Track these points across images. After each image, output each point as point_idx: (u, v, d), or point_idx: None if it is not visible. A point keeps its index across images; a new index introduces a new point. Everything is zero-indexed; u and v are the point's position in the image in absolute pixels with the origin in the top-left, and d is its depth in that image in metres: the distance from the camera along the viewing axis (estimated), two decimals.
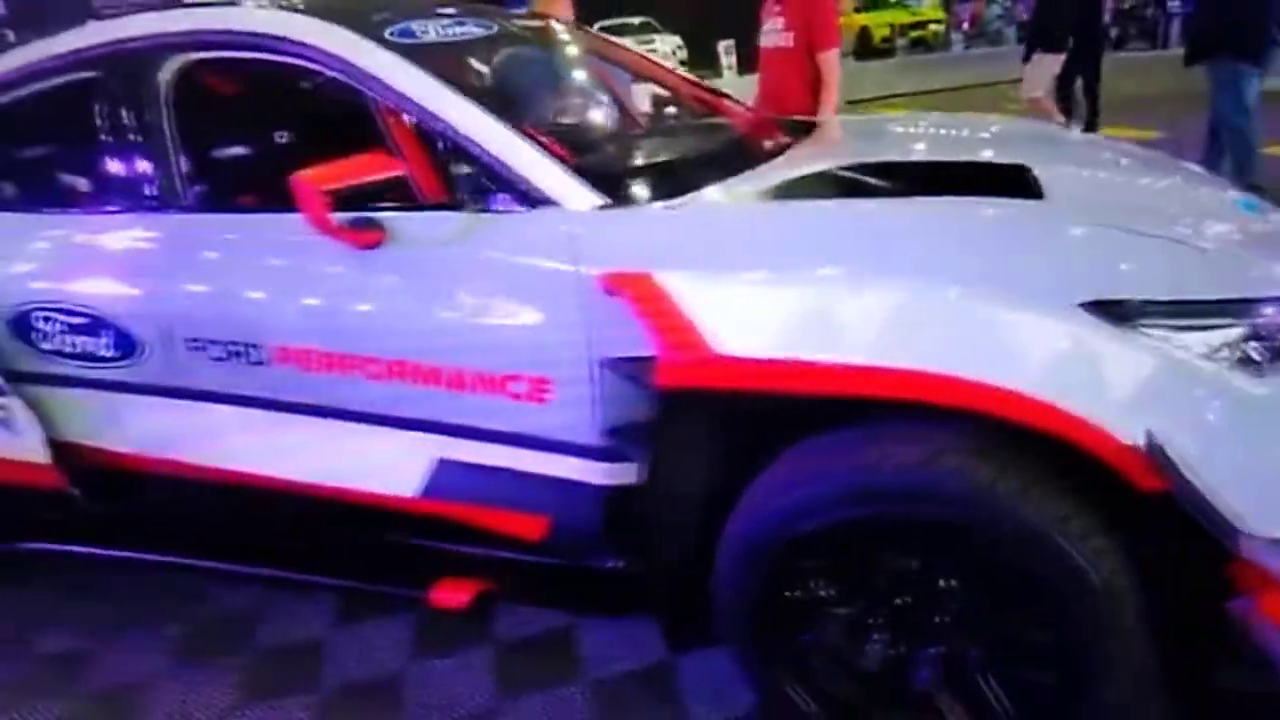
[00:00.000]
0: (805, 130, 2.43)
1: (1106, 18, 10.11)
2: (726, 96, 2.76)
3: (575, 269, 1.62)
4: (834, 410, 1.48)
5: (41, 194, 2.34)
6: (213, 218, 2.04)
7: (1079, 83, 6.70)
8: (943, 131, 2.45)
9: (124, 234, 2.04)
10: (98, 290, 2.06)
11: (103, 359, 2.12)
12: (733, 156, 2.06)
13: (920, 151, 2.07)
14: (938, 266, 1.42)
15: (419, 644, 2.15)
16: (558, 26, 2.60)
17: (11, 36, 5.73)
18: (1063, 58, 6.00)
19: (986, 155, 2.09)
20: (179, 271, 2.00)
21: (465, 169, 1.76)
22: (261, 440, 2.06)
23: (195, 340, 1.99)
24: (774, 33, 3.72)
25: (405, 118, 1.82)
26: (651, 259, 1.56)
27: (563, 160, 1.73)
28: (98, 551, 2.41)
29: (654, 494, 1.66)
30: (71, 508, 2.29)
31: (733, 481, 1.59)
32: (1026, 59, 6.10)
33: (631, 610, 2.04)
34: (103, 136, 2.08)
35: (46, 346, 2.18)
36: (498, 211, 1.74)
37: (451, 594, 2.01)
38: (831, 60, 3.66)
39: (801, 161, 2.00)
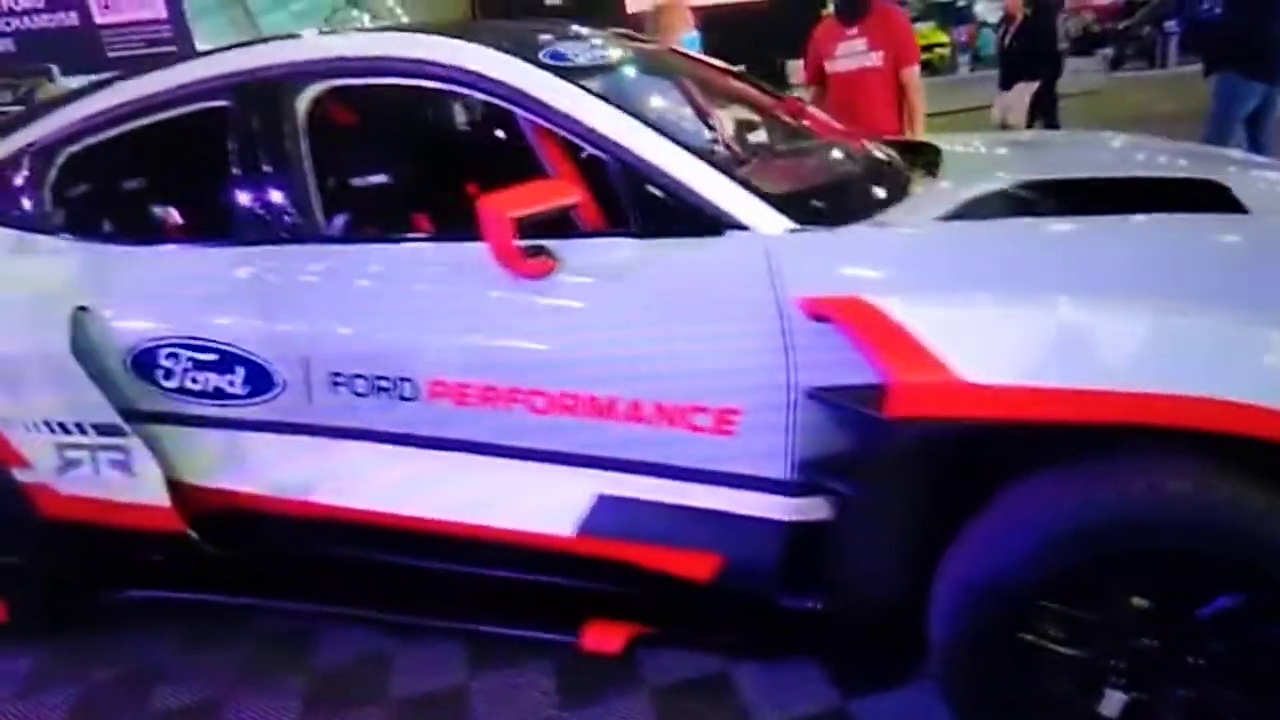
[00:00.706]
0: (913, 150, 2.38)
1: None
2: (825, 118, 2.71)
3: (773, 294, 1.54)
4: (1049, 444, 1.41)
5: (166, 227, 2.26)
6: (359, 248, 1.97)
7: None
8: (1089, 149, 2.40)
9: (260, 266, 1.96)
10: (232, 325, 1.98)
11: (232, 396, 2.04)
12: (887, 176, 2.00)
13: (1087, 168, 2.01)
14: (1187, 286, 1.35)
15: (566, 691, 2.04)
16: (674, 50, 2.56)
17: (57, 72, 5.71)
18: (1037, 84, 6.41)
19: (1166, 171, 2.03)
20: (322, 304, 1.92)
21: (639, 194, 1.69)
22: (402, 478, 1.97)
23: (338, 375, 1.91)
24: (856, 54, 3.69)
25: (571, 142, 1.76)
26: (861, 283, 1.49)
27: (745, 184, 1.66)
28: (216, 599, 2.31)
29: (856, 530, 1.57)
30: (190, 552, 2.19)
31: (947, 517, 1.51)
32: (1007, 86, 6.46)
33: (802, 651, 1.95)
34: (235, 167, 2.02)
35: (170, 384, 2.09)
36: (677, 237, 1.67)
37: (604, 638, 1.92)
38: (916, 76, 3.66)
39: (967, 181, 1.93)
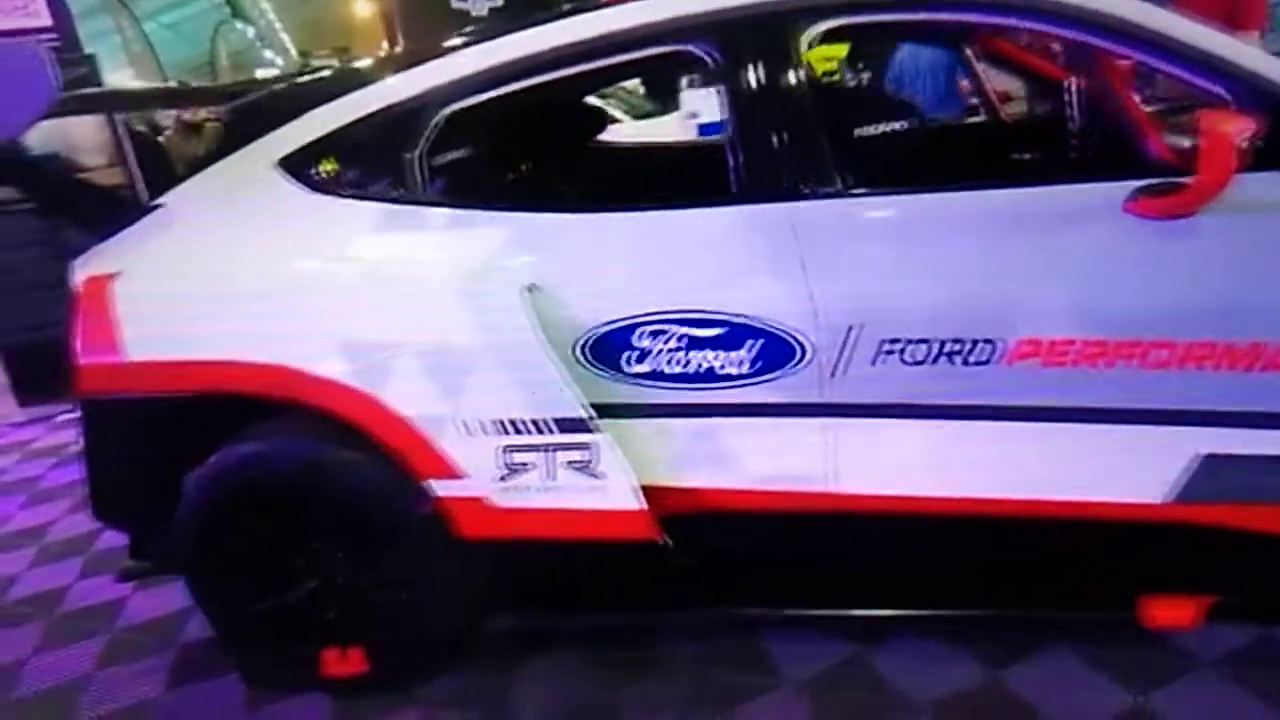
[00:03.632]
0: None
1: None
2: None
3: None
4: None
5: (620, 191, 1.97)
6: (918, 198, 1.75)
7: None
8: None
9: (789, 225, 1.73)
10: (754, 294, 1.74)
11: (726, 378, 1.78)
12: None
13: None
14: None
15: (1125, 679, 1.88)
16: None
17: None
18: None
19: None
20: (882, 263, 1.71)
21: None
22: (948, 455, 1.78)
23: (893, 342, 1.70)
24: None
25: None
26: None
27: None
28: (634, 617, 2.03)
29: None
30: (653, 564, 1.91)
31: None
32: None
33: None
34: (727, 117, 1.78)
35: (637, 369, 1.82)
36: None
37: (1174, 611, 1.80)
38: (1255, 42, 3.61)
39: None
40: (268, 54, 24.50)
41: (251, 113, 2.17)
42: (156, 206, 2.05)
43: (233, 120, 2.20)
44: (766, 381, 1.78)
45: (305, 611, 2.03)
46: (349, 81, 2.09)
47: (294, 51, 23.28)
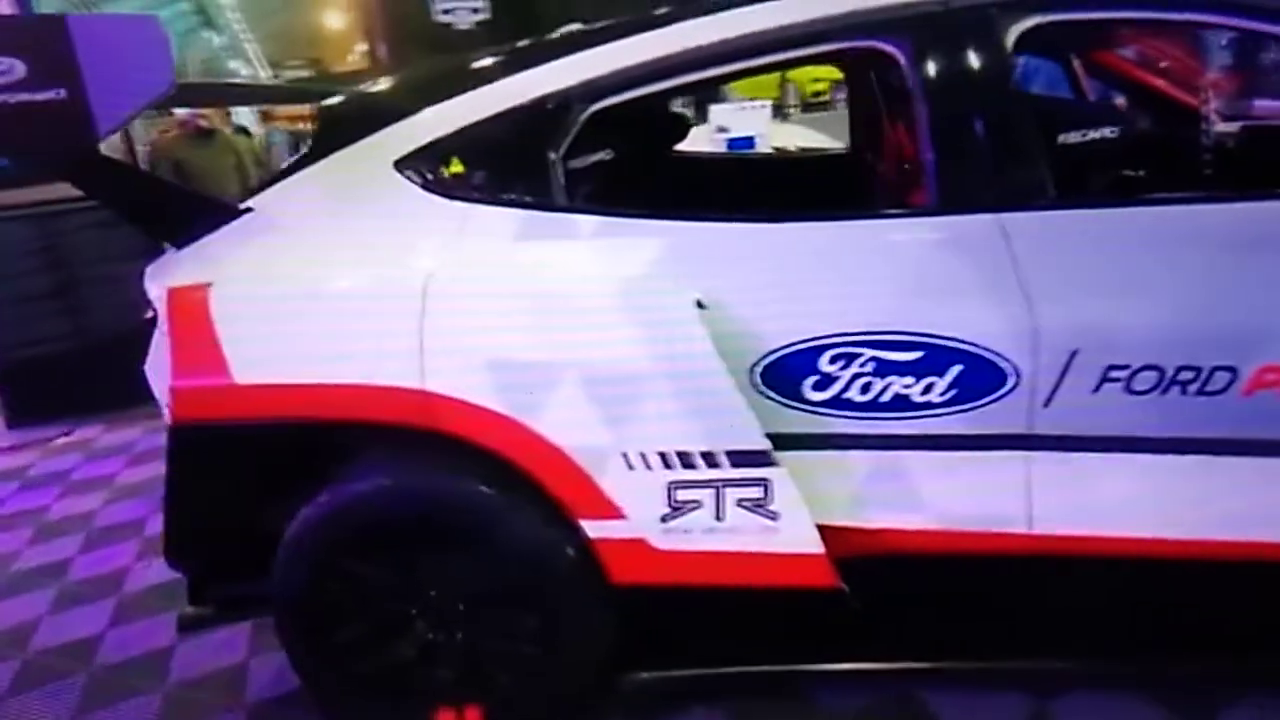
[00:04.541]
0: None
1: None
2: None
3: None
4: None
5: (823, 198, 1.77)
6: (1162, 210, 1.59)
7: None
8: None
9: (1006, 237, 1.56)
10: (961, 313, 1.56)
11: (919, 406, 1.60)
12: None
13: None
14: None
15: None
16: None
17: None
18: None
19: None
20: (1113, 280, 1.54)
21: None
22: (1172, 494, 1.61)
23: (1118, 369, 1.54)
24: None
25: None
26: None
27: None
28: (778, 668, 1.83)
29: None
30: (820, 613, 1.71)
31: None
32: None
33: None
34: (930, 121, 1.61)
35: (818, 397, 1.63)
36: None
37: None
38: None
39: None
40: (233, 64, 24.00)
41: (348, 111, 1.97)
42: (243, 211, 1.82)
43: (327, 119, 1.98)
44: (965, 411, 1.60)
45: (417, 667, 1.80)
46: (458, 77, 1.90)
47: (262, 62, 22.84)
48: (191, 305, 1.71)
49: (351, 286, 1.68)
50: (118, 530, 3.16)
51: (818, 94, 15.37)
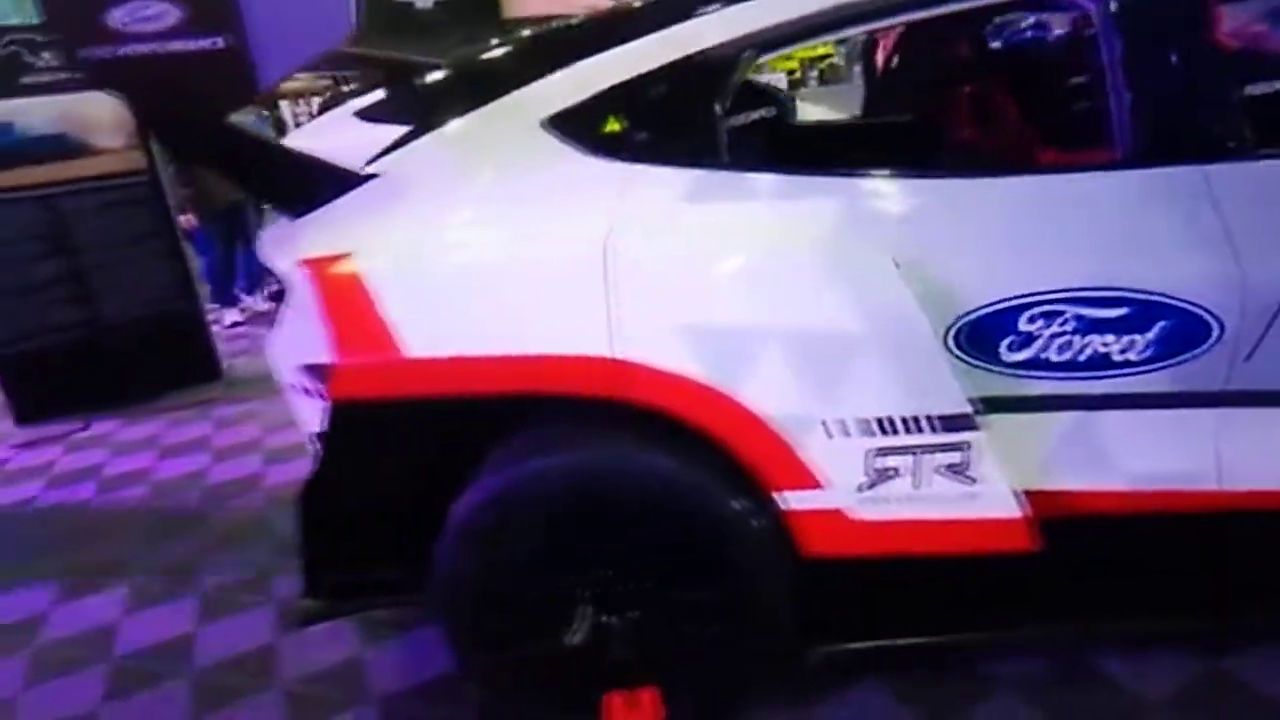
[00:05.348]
0: None
1: None
2: None
3: None
4: None
5: (1015, 150, 1.71)
6: None
7: None
8: None
9: (1216, 187, 1.52)
10: (1167, 267, 1.52)
11: (1123, 364, 1.57)
12: None
13: None
14: None
15: None
16: None
17: None
18: None
19: None
20: None
21: None
22: None
23: None
24: None
25: None
26: None
27: None
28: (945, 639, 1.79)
29: None
30: (1012, 578, 1.68)
31: None
32: None
33: None
34: (1131, 73, 1.56)
35: (1016, 358, 1.58)
36: None
37: None
38: None
39: None
40: None
41: (481, 68, 1.86)
42: (367, 177, 1.71)
43: (457, 76, 1.88)
44: (1165, 368, 1.57)
45: (589, 650, 1.72)
46: (597, 32, 1.80)
47: None
48: (344, 278, 1.59)
49: (526, 252, 1.58)
50: (174, 525, 3.01)
51: (791, 72, 15.45)
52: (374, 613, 2.16)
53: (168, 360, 4.43)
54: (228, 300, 5.86)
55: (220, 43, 1.39)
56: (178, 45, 1.38)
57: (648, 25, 1.72)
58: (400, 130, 1.74)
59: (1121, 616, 1.81)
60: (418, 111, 1.78)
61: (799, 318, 1.52)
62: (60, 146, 4.03)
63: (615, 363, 1.52)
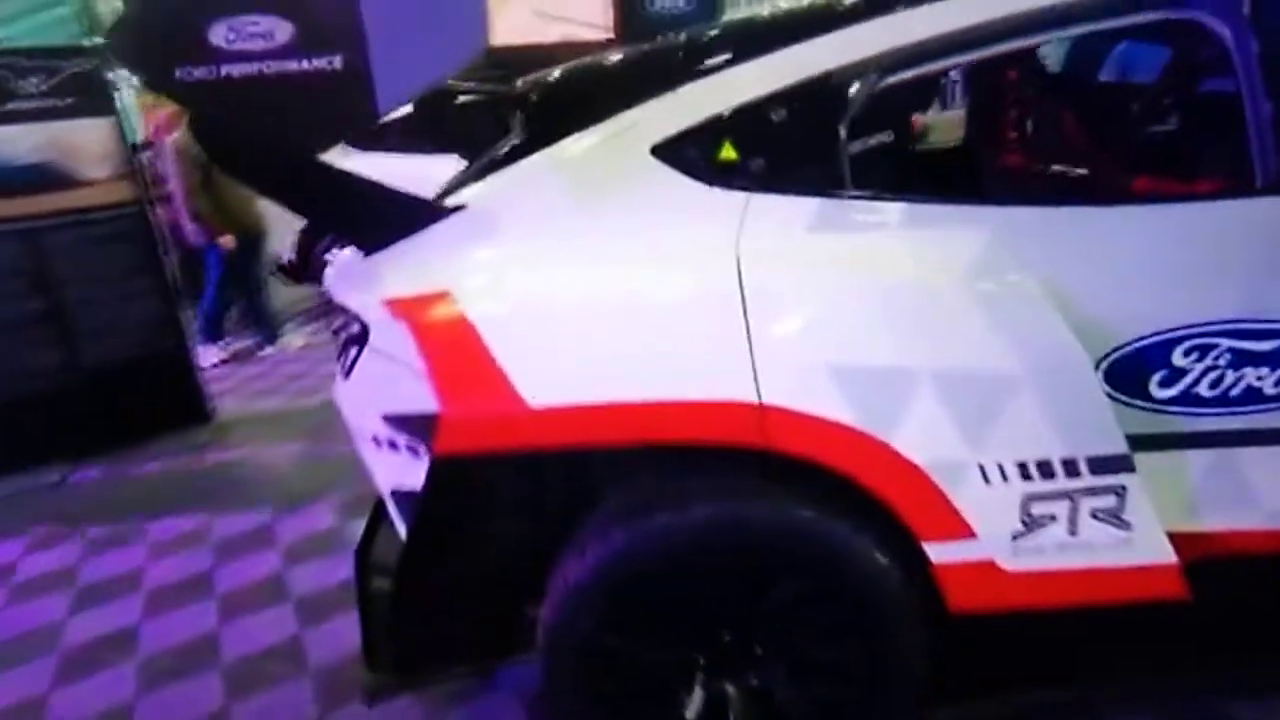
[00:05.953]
0: None
1: None
2: None
3: None
4: None
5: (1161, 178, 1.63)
6: None
7: None
8: None
9: None
10: None
11: (1272, 399, 1.50)
12: None
13: None
14: None
15: None
16: None
17: None
18: None
19: None
20: None
21: None
22: None
23: None
24: None
25: None
26: None
27: None
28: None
29: None
30: (1153, 625, 1.59)
31: None
32: None
33: None
34: None
35: (1164, 394, 1.51)
36: None
37: None
38: None
39: None
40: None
41: (570, 95, 1.75)
42: (455, 209, 1.57)
43: (539, 100, 1.76)
44: None
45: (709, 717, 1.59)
46: (704, 53, 1.70)
47: None
48: (447, 320, 1.45)
49: (654, 291, 1.46)
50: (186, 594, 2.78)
51: None
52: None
53: (154, 403, 4.18)
54: (214, 336, 5.58)
55: (337, 62, 1.25)
56: (289, 65, 1.24)
57: (761, 47, 1.63)
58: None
59: (1258, 661, 1.74)
60: (473, 139, 1.67)
61: (953, 355, 1.42)
62: (44, 177, 3.79)
63: (760, 408, 1.40)
